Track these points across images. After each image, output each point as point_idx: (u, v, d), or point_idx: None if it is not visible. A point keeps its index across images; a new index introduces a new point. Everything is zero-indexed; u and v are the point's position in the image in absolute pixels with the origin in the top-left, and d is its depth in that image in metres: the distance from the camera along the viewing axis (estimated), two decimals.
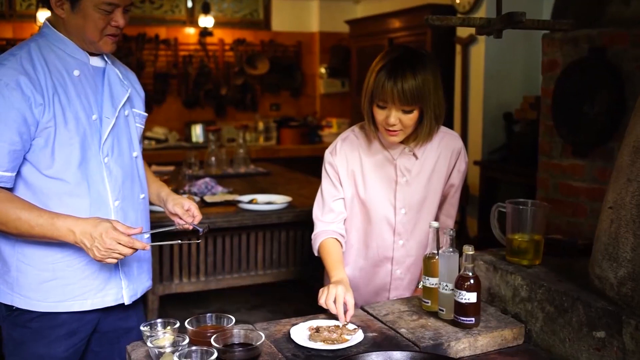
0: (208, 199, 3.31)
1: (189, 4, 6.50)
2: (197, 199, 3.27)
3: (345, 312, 1.69)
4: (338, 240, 1.98)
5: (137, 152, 1.90)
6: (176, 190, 3.34)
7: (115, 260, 1.64)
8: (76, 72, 1.74)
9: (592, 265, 1.58)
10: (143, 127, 1.98)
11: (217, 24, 6.51)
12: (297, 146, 6.63)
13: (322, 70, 6.98)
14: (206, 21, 6.38)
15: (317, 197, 2.06)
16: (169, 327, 1.54)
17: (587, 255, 1.65)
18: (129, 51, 6.21)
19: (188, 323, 1.54)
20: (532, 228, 1.77)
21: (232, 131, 6.49)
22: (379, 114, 1.87)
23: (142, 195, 1.90)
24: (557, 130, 2.86)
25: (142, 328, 1.53)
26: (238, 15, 6.75)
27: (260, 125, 6.71)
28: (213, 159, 4.35)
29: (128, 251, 1.61)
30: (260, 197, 3.32)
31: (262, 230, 3.21)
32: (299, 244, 3.31)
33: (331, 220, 2.00)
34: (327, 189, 2.02)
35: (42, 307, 1.74)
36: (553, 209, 2.87)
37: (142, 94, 1.99)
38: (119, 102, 1.82)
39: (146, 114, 1.99)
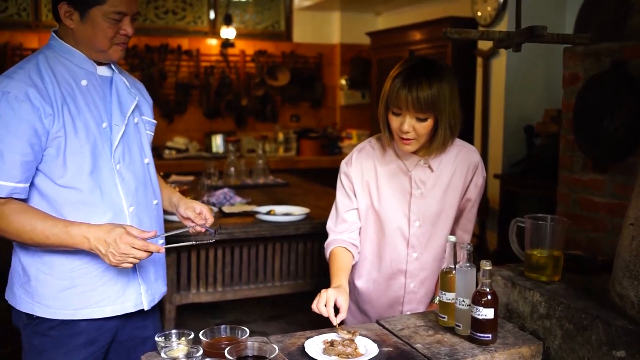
0: (226, 209, 3.32)
1: (212, 16, 6.57)
2: (216, 209, 3.28)
3: (337, 314, 1.71)
4: (348, 249, 1.98)
5: (148, 159, 1.92)
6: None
7: (130, 265, 1.66)
8: (84, 82, 1.77)
9: (612, 282, 1.56)
10: (153, 134, 1.99)
11: (239, 35, 6.57)
12: (316, 157, 6.63)
13: (343, 81, 6.99)
14: (228, 32, 6.44)
15: (332, 207, 2.07)
16: (183, 338, 1.54)
17: (608, 271, 1.62)
18: (151, 62, 6.29)
19: (202, 334, 1.53)
20: (551, 243, 1.75)
21: (252, 142, 6.52)
22: (394, 121, 1.88)
23: (155, 201, 1.92)
24: (578, 144, 2.83)
25: (156, 339, 1.54)
26: (260, 27, 6.81)
27: (280, 136, 6.73)
28: (232, 169, 4.37)
29: (143, 255, 1.64)
30: (278, 209, 3.32)
31: (279, 242, 3.21)
32: (316, 256, 3.30)
33: (343, 230, 2.00)
34: (341, 200, 2.03)
35: (62, 315, 1.75)
36: (573, 224, 2.83)
37: (150, 101, 2.02)
38: (127, 110, 1.84)
39: (155, 121, 2.01)
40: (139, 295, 1.84)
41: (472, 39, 1.65)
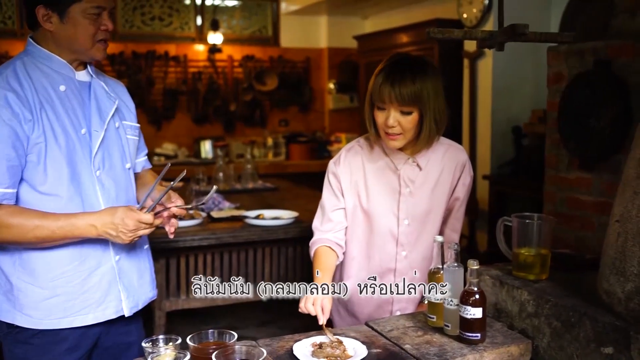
0: (215, 214, 3.31)
1: (199, 21, 6.56)
2: (204, 214, 3.27)
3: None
4: (332, 249, 1.99)
5: (129, 164, 1.91)
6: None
7: (139, 237, 1.72)
8: (62, 88, 1.76)
9: (600, 279, 1.56)
10: (137, 137, 1.99)
11: (226, 40, 6.57)
12: (306, 161, 6.63)
13: (331, 85, 7.00)
14: (215, 38, 6.43)
15: (319, 206, 2.07)
16: (170, 344, 1.53)
17: (596, 269, 1.63)
18: (138, 68, 6.27)
19: (190, 339, 1.52)
20: (538, 242, 1.75)
21: (241, 147, 6.52)
22: (379, 117, 1.89)
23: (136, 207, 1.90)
24: (564, 143, 2.84)
25: (143, 344, 1.52)
26: (247, 32, 6.81)
27: (269, 141, 6.72)
28: (221, 174, 4.36)
29: (149, 229, 1.71)
30: (267, 213, 3.32)
31: (269, 246, 3.20)
32: (306, 259, 3.29)
33: (329, 229, 2.01)
34: (328, 199, 2.04)
35: (44, 325, 1.74)
36: (561, 223, 2.84)
37: (132, 105, 2.01)
38: (106, 115, 1.83)
39: (138, 125, 2.01)
40: (119, 302, 1.83)
41: (455, 38, 1.66)
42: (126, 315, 1.85)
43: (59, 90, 1.75)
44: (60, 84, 1.76)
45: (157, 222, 1.72)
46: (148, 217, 1.67)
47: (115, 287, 1.83)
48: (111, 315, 1.82)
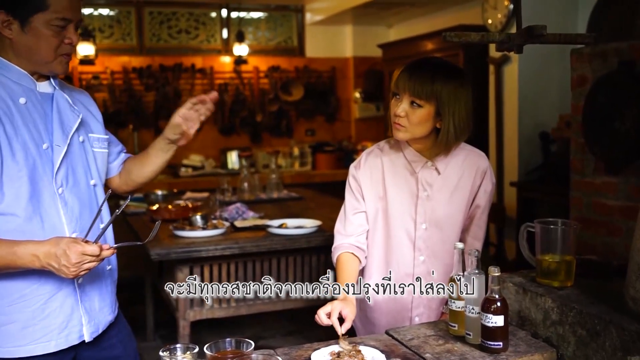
0: (238, 224, 3.31)
1: (225, 34, 6.62)
2: (228, 224, 3.28)
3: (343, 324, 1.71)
4: (355, 255, 1.98)
5: (95, 180, 1.81)
6: (207, 216, 3.37)
7: (87, 271, 1.57)
8: (22, 100, 1.66)
9: (626, 286, 1.51)
10: (106, 150, 1.89)
11: (252, 51, 6.61)
12: (332, 171, 6.62)
13: (357, 94, 6.99)
14: (241, 49, 6.48)
15: (341, 210, 2.07)
16: (188, 352, 1.53)
17: (623, 276, 1.58)
18: (166, 81, 6.34)
19: (207, 348, 1.52)
20: (562, 248, 1.71)
21: (267, 157, 6.53)
22: (392, 105, 1.91)
23: (101, 225, 1.76)
24: (589, 147, 2.78)
25: (161, 353, 1.52)
26: (272, 43, 6.85)
27: (296, 151, 6.73)
28: (246, 184, 4.37)
29: (95, 263, 1.56)
30: (290, 222, 3.31)
31: (292, 255, 3.19)
32: (329, 268, 3.27)
33: (350, 233, 2.01)
34: (349, 202, 2.04)
35: (2, 354, 1.63)
36: (587, 229, 2.77)
37: (99, 116, 1.91)
38: (70, 129, 1.73)
39: (106, 137, 1.91)
40: (81, 326, 1.73)
41: (472, 42, 1.63)
42: (87, 341, 1.75)
43: (19, 103, 1.65)
44: (20, 97, 1.65)
45: (106, 254, 1.57)
46: (93, 248, 1.53)
47: (77, 312, 1.72)
48: (74, 341, 1.72)
